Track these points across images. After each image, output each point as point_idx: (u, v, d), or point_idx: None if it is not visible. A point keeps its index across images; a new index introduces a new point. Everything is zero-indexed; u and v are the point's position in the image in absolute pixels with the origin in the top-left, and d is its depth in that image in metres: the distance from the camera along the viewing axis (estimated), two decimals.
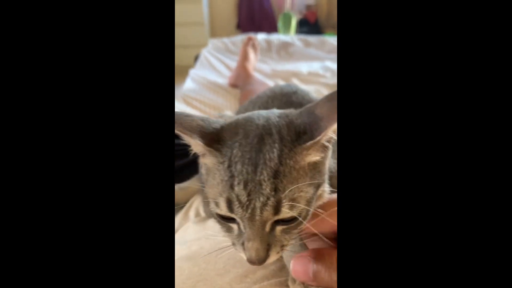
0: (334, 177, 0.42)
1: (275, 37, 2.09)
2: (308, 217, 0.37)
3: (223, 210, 0.37)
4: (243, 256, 0.38)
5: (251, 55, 1.62)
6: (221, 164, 0.37)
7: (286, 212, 0.35)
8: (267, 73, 1.67)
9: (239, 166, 0.36)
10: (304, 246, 0.47)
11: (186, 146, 0.42)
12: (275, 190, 0.34)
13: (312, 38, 2.09)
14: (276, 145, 0.36)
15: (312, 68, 1.69)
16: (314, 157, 0.37)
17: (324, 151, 0.38)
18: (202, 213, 0.72)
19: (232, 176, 0.36)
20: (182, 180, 0.81)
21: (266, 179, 0.35)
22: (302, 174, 0.36)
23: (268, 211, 0.35)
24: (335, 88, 0.35)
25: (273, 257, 0.37)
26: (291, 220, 0.36)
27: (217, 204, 0.37)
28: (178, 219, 0.73)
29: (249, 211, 0.35)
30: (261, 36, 2.08)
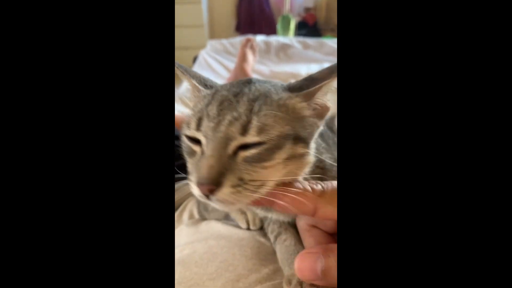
0: (329, 172, 0.43)
1: (274, 39, 2.08)
2: (273, 157, 0.35)
3: (192, 128, 0.37)
4: (192, 183, 0.36)
5: (250, 56, 1.62)
6: (205, 97, 0.39)
7: (253, 135, 0.34)
8: (266, 74, 1.67)
9: (222, 92, 0.38)
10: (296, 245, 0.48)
11: (177, 147, 0.43)
12: (250, 110, 0.35)
13: (311, 40, 2.08)
14: (266, 84, 0.38)
15: (310, 69, 1.69)
16: (301, 107, 0.37)
17: (313, 113, 0.38)
18: (196, 215, 0.71)
19: (211, 100, 0.38)
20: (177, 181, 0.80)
21: (245, 99, 0.36)
22: (283, 112, 0.36)
23: (235, 127, 0.34)
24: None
25: (226, 188, 0.34)
26: (256, 148, 0.35)
27: (188, 125, 0.38)
28: None
29: (215, 122, 0.35)
30: (260, 38, 2.07)
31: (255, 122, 0.34)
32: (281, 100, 0.37)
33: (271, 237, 0.54)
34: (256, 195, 0.35)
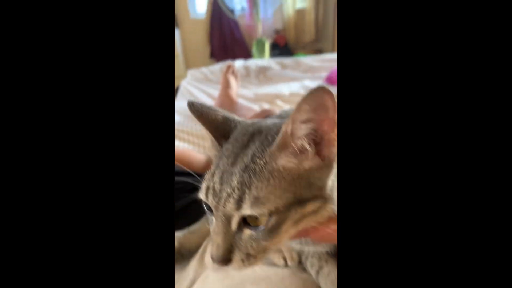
0: None
1: (253, 62, 2.14)
2: (280, 230, 0.35)
3: (202, 195, 0.37)
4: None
5: (233, 82, 1.65)
6: (216, 157, 0.39)
7: (246, 208, 0.34)
8: (250, 97, 1.70)
9: (224, 159, 0.37)
10: None
11: (187, 184, 0.43)
12: (241, 183, 0.34)
13: (287, 60, 2.16)
14: (257, 143, 0.37)
15: (292, 88, 1.74)
16: (286, 161, 0.35)
17: (300, 157, 0.35)
18: None
19: (216, 169, 0.37)
20: (190, 222, 0.72)
21: (236, 171, 0.35)
22: (276, 177, 0.34)
23: (230, 203, 0.34)
24: None
25: (236, 263, 0.35)
26: (260, 226, 0.34)
27: (201, 190, 0.38)
28: (193, 267, 0.64)
29: (216, 200, 0.35)
30: (239, 63, 2.13)
31: (247, 196, 0.34)
32: (268, 165, 0.35)
33: (312, 272, 0.51)
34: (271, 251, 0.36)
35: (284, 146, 0.34)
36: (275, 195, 0.34)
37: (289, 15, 3.40)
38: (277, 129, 0.37)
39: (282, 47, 3.53)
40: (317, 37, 3.43)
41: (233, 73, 1.72)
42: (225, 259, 0.35)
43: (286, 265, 0.54)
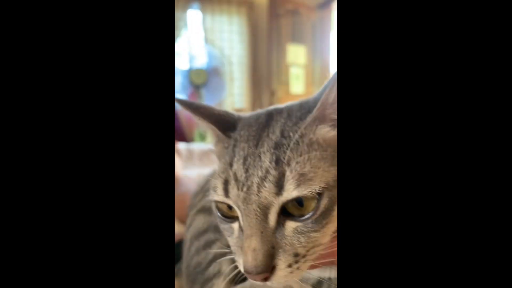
0: None
1: (196, 146, 2.14)
2: (332, 215, 0.29)
3: (219, 195, 0.31)
4: (241, 266, 0.29)
5: (177, 160, 1.60)
6: (227, 148, 0.33)
7: (291, 189, 0.28)
8: (193, 177, 1.64)
9: (242, 144, 0.32)
10: None
11: None
12: (276, 161, 0.29)
13: None
14: (282, 119, 0.33)
15: None
16: (326, 132, 0.31)
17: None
18: None
19: (233, 155, 0.32)
20: None
21: (265, 150, 0.30)
22: (317, 150, 0.30)
23: (267, 188, 0.28)
24: None
25: (282, 271, 0.27)
26: (307, 214, 0.28)
27: (215, 189, 0.32)
28: None
29: (245, 189, 0.29)
30: (182, 145, 2.10)
31: (289, 174, 0.28)
32: (305, 137, 0.31)
33: None
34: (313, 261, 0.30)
35: (322, 116, 0.31)
36: (323, 169, 0.29)
37: None
38: (301, 104, 0.34)
39: None
40: None
41: (178, 152, 1.69)
42: (267, 268, 0.27)
43: None
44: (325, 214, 0.29)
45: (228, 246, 0.44)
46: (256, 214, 0.29)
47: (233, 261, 0.47)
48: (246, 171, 0.30)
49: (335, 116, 0.33)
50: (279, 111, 0.36)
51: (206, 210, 0.52)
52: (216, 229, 0.48)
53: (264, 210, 0.29)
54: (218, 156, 0.36)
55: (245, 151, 0.32)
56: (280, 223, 0.29)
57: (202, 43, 3.02)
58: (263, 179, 0.29)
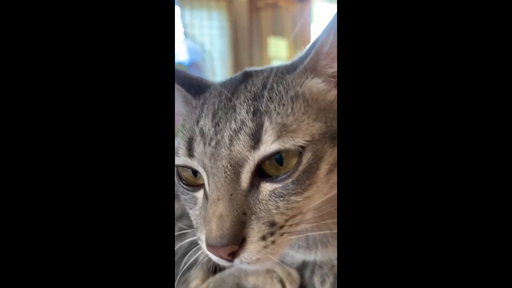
0: None
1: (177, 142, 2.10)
2: (316, 176, 0.25)
3: (181, 157, 0.27)
4: (203, 244, 0.25)
5: None
6: (195, 108, 0.30)
7: (270, 141, 0.24)
8: None
9: (212, 99, 0.29)
10: None
11: None
12: (254, 112, 0.25)
13: None
14: (265, 73, 0.30)
15: None
16: (315, 83, 0.28)
17: (328, 83, 0.29)
18: None
19: (201, 112, 0.29)
20: None
21: (242, 101, 0.26)
22: (301, 104, 0.26)
23: (241, 141, 0.24)
24: None
25: (253, 244, 0.23)
26: (285, 175, 0.24)
27: (177, 152, 0.28)
28: None
29: (213, 143, 0.25)
30: None
31: (268, 125, 0.25)
32: (290, 90, 0.27)
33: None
34: (295, 237, 0.25)
35: (315, 68, 0.28)
36: (307, 123, 0.25)
37: None
38: (289, 64, 0.32)
39: None
40: None
41: None
42: (235, 238, 0.22)
43: None
44: (309, 172, 0.25)
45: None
46: (225, 172, 0.25)
47: None
48: (216, 125, 0.27)
49: (331, 70, 0.29)
50: (259, 70, 0.33)
51: (177, 196, 0.48)
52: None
53: (236, 167, 0.25)
54: (183, 119, 0.33)
55: (215, 106, 0.28)
56: (254, 184, 0.25)
57: (181, 38, 2.97)
58: (237, 131, 0.25)
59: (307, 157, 0.25)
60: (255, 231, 0.24)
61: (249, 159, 0.25)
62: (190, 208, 0.30)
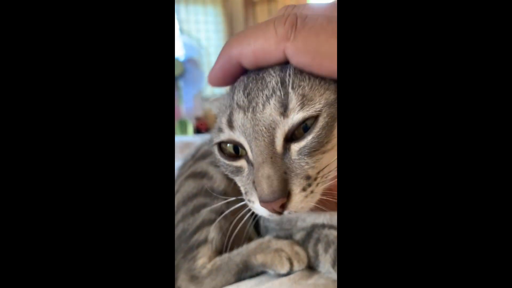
0: None
1: (177, 139, 2.10)
2: (332, 132, 0.30)
3: (225, 131, 0.31)
4: (255, 204, 0.30)
5: None
6: (227, 94, 0.34)
7: (296, 111, 0.29)
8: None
9: (242, 81, 0.32)
10: None
11: None
12: (281, 83, 0.29)
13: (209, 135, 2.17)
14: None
15: None
16: None
17: None
18: None
19: (234, 90, 0.32)
20: None
21: (271, 75, 0.30)
22: (316, 77, 0.30)
23: (273, 108, 0.29)
24: None
25: (297, 196, 0.28)
26: (308, 136, 0.29)
27: (220, 130, 0.32)
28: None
29: (251, 110, 0.29)
30: None
31: (293, 95, 0.29)
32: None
33: (328, 257, 0.38)
34: (327, 184, 0.30)
35: None
36: (319, 92, 0.29)
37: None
38: None
39: (205, 132, 3.61)
40: None
41: None
42: (283, 192, 0.27)
43: (291, 269, 0.40)
44: (326, 130, 0.29)
45: (219, 213, 0.42)
46: (263, 136, 0.29)
47: (221, 228, 0.45)
48: (248, 94, 0.31)
49: None
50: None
51: (197, 175, 0.49)
52: (207, 194, 0.46)
53: (271, 131, 0.29)
54: (219, 108, 0.36)
55: (245, 80, 0.32)
56: (286, 148, 0.29)
57: (177, 33, 2.95)
58: (269, 97, 0.29)
59: (323, 117, 0.29)
60: (296, 185, 0.29)
61: (280, 124, 0.29)
62: (237, 176, 0.34)
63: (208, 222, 0.45)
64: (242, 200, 0.35)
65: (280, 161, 0.29)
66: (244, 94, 0.31)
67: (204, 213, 0.45)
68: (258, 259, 0.41)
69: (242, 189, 0.34)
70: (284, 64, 0.31)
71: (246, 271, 0.42)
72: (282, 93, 0.29)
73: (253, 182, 0.30)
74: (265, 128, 0.29)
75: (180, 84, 2.64)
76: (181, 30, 3.01)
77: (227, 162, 0.33)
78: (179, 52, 2.65)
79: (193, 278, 0.43)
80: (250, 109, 0.30)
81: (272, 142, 0.29)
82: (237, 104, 0.31)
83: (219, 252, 0.46)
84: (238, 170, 0.33)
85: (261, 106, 0.30)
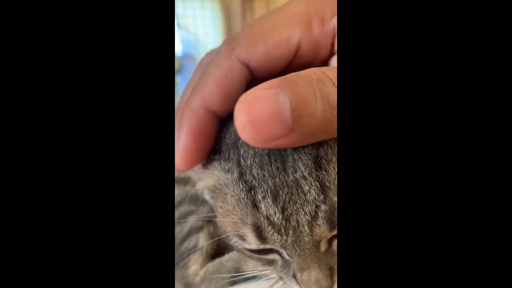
0: None
1: None
2: None
3: (254, 244, 0.26)
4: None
5: None
6: (228, 173, 0.26)
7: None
8: None
9: (255, 170, 0.24)
10: None
11: None
12: (323, 189, 0.23)
13: None
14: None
15: None
16: None
17: None
18: None
19: (250, 189, 0.24)
20: None
21: (306, 174, 0.23)
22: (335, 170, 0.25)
23: (320, 227, 0.24)
24: None
25: (335, 284, 0.27)
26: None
27: (242, 238, 0.26)
28: None
29: (291, 233, 0.24)
30: None
31: (335, 202, 0.24)
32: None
33: None
34: None
35: None
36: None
37: None
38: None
39: None
40: None
41: None
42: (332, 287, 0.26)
43: None
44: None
45: (208, 217, 0.41)
46: (310, 250, 0.26)
47: (211, 235, 0.45)
48: (283, 210, 0.24)
49: None
50: None
51: (180, 181, 0.48)
52: (192, 200, 0.46)
53: (317, 243, 0.26)
54: (214, 191, 0.29)
55: (269, 182, 0.24)
56: (329, 245, 0.28)
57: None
58: (314, 217, 0.24)
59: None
60: (334, 276, 0.28)
61: (328, 236, 0.26)
62: (266, 265, 0.31)
63: (196, 230, 0.45)
64: None
65: (324, 260, 0.26)
66: (276, 206, 0.24)
67: (191, 220, 0.45)
68: (250, 266, 0.42)
69: (277, 275, 0.31)
70: (309, 149, 0.24)
71: (239, 276, 0.42)
72: (328, 207, 0.24)
73: (294, 276, 0.28)
74: (312, 245, 0.26)
75: (177, 81, 2.62)
76: (179, 25, 2.98)
77: (254, 254, 0.29)
78: (177, 48, 2.63)
79: (187, 285, 0.44)
80: (290, 231, 0.25)
81: (317, 248, 0.26)
82: (267, 218, 0.24)
83: (211, 257, 0.46)
84: (269, 262, 0.30)
85: (306, 229, 0.24)
